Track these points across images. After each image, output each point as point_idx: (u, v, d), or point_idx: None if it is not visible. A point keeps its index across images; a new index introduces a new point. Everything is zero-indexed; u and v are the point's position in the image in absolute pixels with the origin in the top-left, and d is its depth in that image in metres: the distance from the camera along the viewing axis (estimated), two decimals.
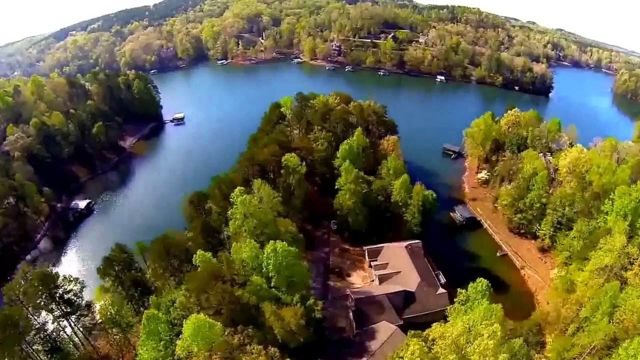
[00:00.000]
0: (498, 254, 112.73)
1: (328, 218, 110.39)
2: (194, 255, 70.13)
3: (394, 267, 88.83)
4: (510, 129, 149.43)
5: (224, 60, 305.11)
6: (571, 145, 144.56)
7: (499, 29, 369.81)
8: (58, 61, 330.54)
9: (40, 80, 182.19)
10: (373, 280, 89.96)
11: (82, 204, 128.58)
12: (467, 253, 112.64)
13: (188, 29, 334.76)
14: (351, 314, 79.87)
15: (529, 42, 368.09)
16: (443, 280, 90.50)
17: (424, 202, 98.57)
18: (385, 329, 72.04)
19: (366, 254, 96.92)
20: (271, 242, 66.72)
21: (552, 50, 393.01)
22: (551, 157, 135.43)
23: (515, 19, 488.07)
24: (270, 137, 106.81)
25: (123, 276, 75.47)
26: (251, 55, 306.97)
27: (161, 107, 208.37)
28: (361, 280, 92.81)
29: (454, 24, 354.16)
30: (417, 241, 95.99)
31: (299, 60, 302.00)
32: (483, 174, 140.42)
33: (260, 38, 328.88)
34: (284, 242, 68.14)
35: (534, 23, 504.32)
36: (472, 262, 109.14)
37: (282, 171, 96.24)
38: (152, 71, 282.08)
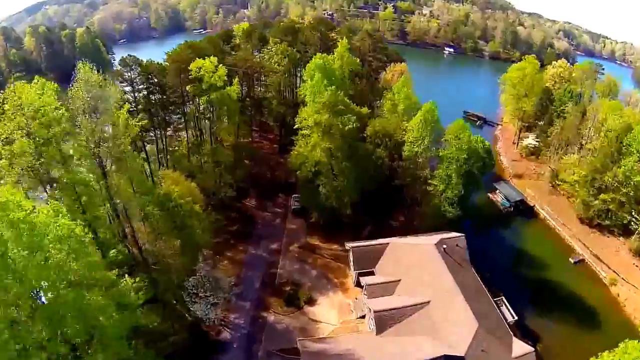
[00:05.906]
0: (572, 260, 64.50)
1: (288, 191, 60.39)
2: None
3: (413, 290, 37.04)
4: (556, 85, 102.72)
5: (202, 30, 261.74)
6: None
7: (508, 11, 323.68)
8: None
9: None
10: (362, 317, 38.75)
11: None
12: (523, 256, 64.18)
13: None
14: None
15: (541, 28, 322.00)
16: (512, 316, 39.46)
17: (467, 160, 47.25)
18: None
19: (351, 258, 44.73)
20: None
21: (565, 37, 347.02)
22: None
23: (521, 11, 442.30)
24: (185, 43, 55.75)
25: None
26: (232, 25, 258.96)
27: (113, 65, 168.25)
28: (336, 316, 40.55)
29: (461, 4, 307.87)
30: (457, 235, 44.19)
31: None
32: (530, 140, 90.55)
33: (244, 10, 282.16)
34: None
35: (539, 16, 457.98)
36: (531, 272, 61.42)
37: (188, 87, 45.86)
38: (122, 41, 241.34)
